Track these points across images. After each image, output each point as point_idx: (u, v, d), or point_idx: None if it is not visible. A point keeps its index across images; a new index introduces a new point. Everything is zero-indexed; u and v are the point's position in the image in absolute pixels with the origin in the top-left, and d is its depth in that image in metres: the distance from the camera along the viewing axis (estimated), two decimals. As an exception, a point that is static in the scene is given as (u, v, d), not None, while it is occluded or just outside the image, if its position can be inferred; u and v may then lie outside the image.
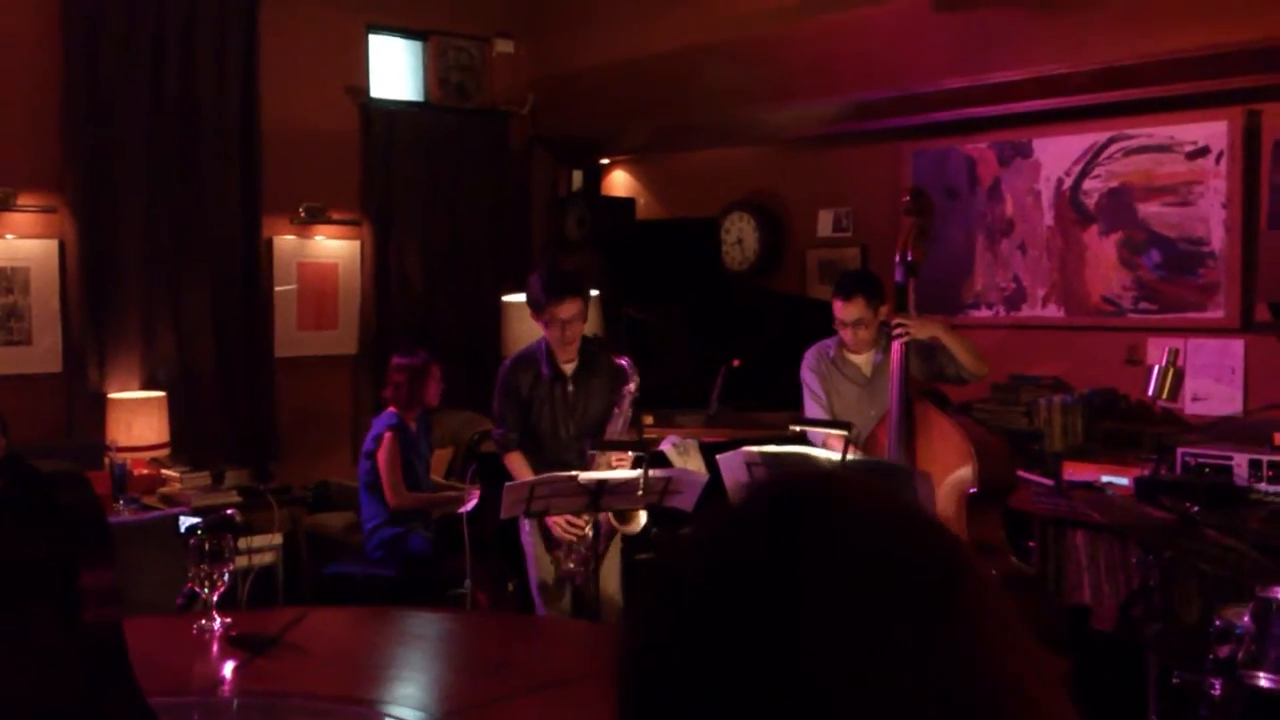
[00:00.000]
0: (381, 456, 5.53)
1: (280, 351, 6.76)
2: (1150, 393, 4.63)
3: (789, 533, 0.70)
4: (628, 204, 7.59)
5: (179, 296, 6.36)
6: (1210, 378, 5.17)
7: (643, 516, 4.35)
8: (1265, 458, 4.49)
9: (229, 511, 5.50)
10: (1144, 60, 4.99)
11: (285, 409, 6.75)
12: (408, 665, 3.02)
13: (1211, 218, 5.18)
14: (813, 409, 4.53)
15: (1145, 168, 5.38)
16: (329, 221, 6.98)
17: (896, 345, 4.19)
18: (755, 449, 4.00)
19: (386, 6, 7.21)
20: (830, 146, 6.63)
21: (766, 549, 0.70)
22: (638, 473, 3.92)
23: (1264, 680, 3.14)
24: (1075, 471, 4.91)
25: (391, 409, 5.67)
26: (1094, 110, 5.41)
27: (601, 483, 3.91)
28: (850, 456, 3.89)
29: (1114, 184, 5.50)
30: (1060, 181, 5.69)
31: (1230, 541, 3.39)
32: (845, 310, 4.40)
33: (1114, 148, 5.49)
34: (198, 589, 2.92)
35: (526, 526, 4.45)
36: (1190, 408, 5.17)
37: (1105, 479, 4.79)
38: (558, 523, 4.28)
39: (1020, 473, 4.54)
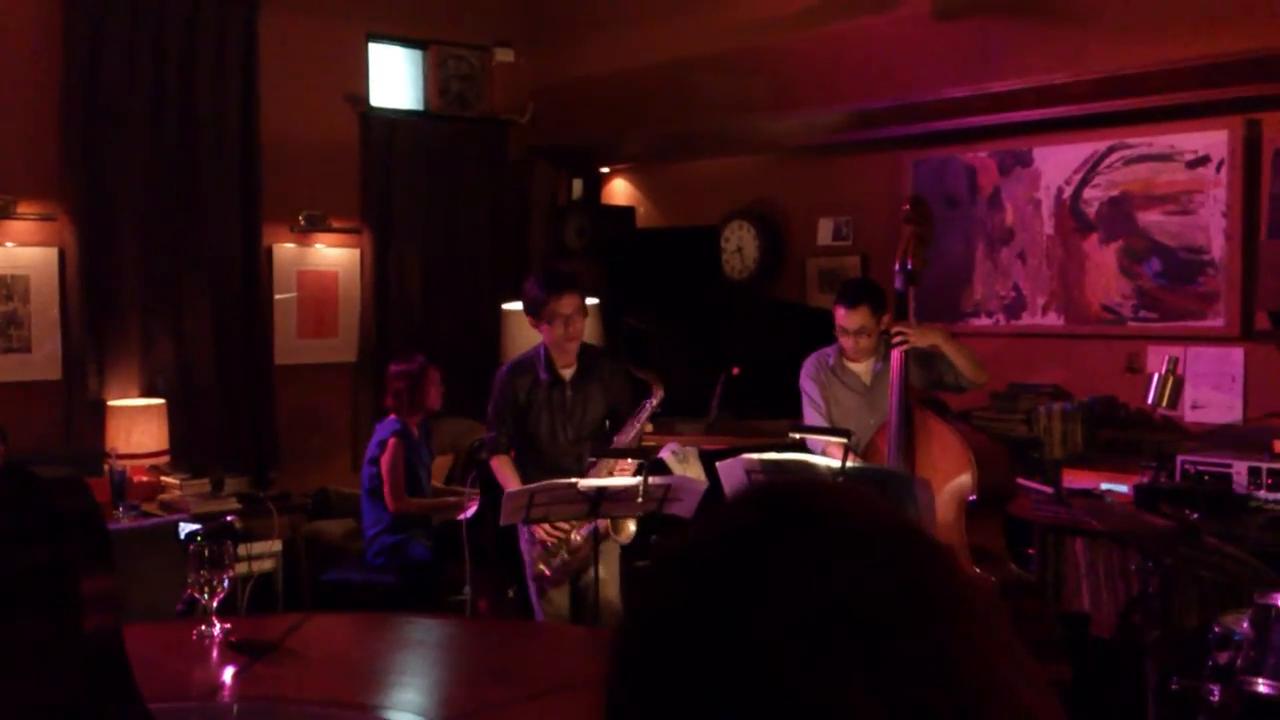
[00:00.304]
0: (385, 461, 5.54)
1: (280, 359, 6.76)
2: (1150, 401, 4.63)
3: (765, 539, 0.70)
4: (628, 213, 7.58)
5: (179, 304, 6.36)
6: (1210, 386, 5.17)
7: (631, 526, 4.35)
8: (1264, 465, 4.49)
9: (229, 518, 5.52)
10: (1144, 70, 5.00)
11: (285, 416, 6.76)
12: (407, 671, 3.01)
13: (1211, 226, 5.19)
14: (812, 417, 4.53)
15: (1145, 177, 5.39)
16: (329, 230, 6.99)
17: (896, 353, 4.18)
18: (755, 456, 3.99)
19: (386, 15, 7.22)
20: (830, 155, 6.63)
21: (741, 555, 0.70)
22: (637, 480, 3.93)
23: (1263, 686, 3.13)
24: (1075, 479, 4.92)
25: (394, 416, 5.68)
26: (1094, 119, 5.41)
27: (601, 490, 3.91)
28: (850, 464, 3.89)
29: (1114, 193, 5.51)
30: (1060, 190, 5.69)
31: (1229, 549, 3.39)
32: (848, 318, 4.40)
33: (1114, 157, 5.50)
34: (198, 595, 2.93)
35: (525, 533, 4.45)
36: (1190, 416, 5.17)
37: (1105, 486, 4.79)
38: (542, 525, 4.28)
39: (1020, 480, 4.53)
